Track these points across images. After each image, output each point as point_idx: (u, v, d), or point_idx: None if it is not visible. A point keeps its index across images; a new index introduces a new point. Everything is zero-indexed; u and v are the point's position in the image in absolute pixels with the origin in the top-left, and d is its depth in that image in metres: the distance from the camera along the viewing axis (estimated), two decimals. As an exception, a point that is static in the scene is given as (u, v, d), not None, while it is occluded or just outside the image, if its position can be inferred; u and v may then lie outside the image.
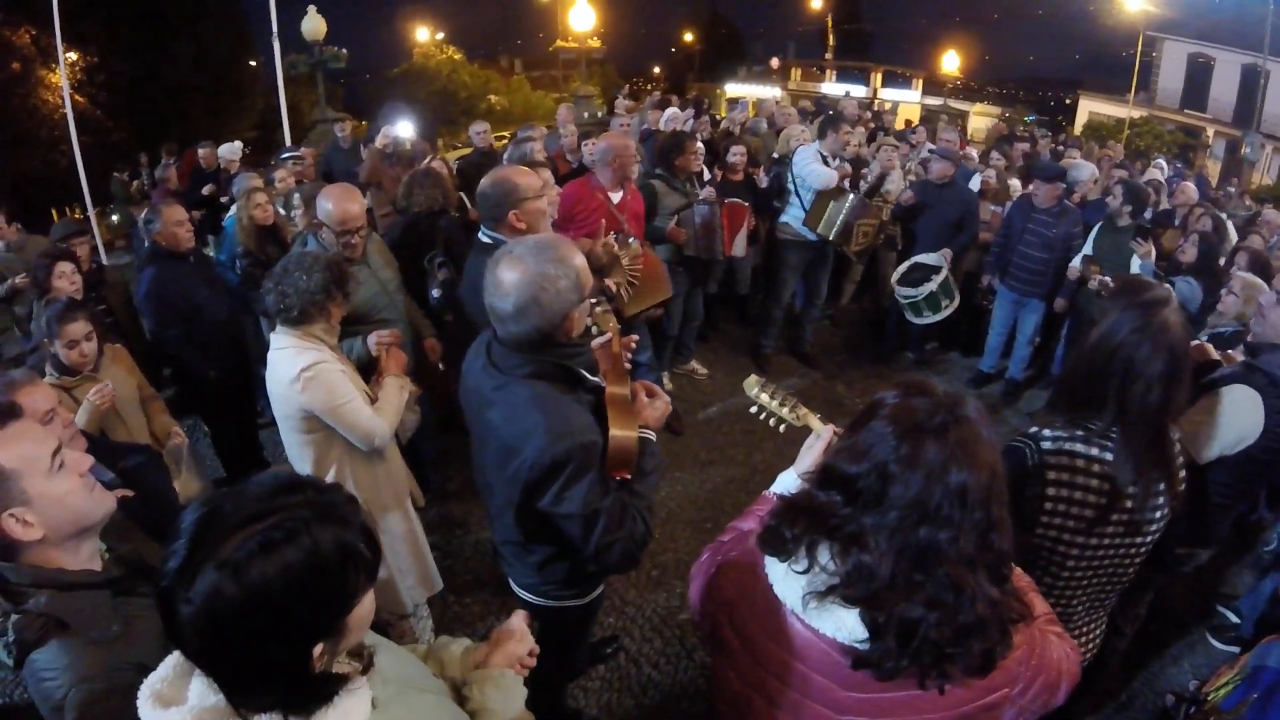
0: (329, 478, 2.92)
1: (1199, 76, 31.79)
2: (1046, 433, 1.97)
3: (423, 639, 3.43)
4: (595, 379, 2.13)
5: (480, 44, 45.24)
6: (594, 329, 2.22)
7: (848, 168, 5.94)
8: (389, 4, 40.53)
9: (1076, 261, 5.66)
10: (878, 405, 1.33)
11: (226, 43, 22.41)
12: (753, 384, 2.05)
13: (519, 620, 1.78)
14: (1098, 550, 2.01)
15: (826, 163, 5.77)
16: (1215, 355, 2.97)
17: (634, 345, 2.36)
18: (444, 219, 4.65)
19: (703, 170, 5.80)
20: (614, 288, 3.81)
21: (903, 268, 6.09)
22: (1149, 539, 2.03)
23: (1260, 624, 3.59)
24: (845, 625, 1.27)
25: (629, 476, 2.09)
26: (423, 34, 35.58)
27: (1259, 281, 3.89)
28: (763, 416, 2.02)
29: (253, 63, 24.03)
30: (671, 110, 9.24)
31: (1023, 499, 1.95)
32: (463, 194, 5.77)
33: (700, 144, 5.71)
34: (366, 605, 1.16)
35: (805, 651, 1.35)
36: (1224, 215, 6.99)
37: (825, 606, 1.28)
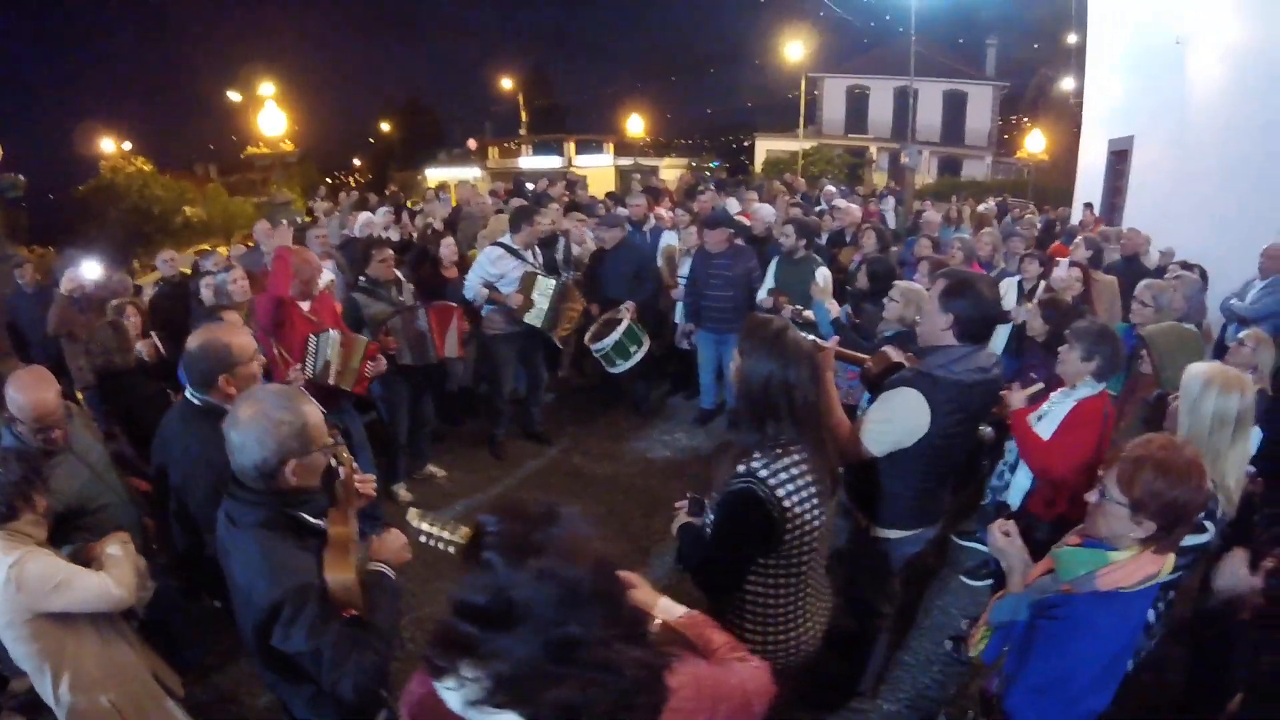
0: (63, 692, 2.67)
1: (858, 105, 37.28)
2: (756, 464, 2.26)
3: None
4: (319, 523, 2.21)
5: (172, 152, 42.24)
6: (332, 462, 2.32)
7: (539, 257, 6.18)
8: (68, 116, 36.78)
9: (763, 294, 6.20)
10: (480, 535, 1.40)
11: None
12: (415, 516, 2.13)
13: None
14: (819, 530, 2.37)
15: (519, 255, 5.94)
16: (898, 358, 3.26)
17: (368, 478, 2.50)
18: (125, 380, 4.36)
19: (397, 277, 5.64)
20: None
21: (594, 326, 6.42)
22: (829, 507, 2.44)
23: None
24: None
25: (355, 614, 2.16)
26: (109, 145, 32.67)
27: (918, 288, 4.51)
28: (431, 544, 2.08)
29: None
30: (365, 215, 9.07)
31: (771, 524, 2.24)
32: (153, 334, 5.26)
33: (389, 251, 5.55)
34: None
35: None
36: (884, 227, 8.26)
37: (485, 712, 1.35)
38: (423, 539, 2.10)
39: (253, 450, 2.08)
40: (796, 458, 2.27)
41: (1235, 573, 2.12)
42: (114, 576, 2.76)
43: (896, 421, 2.83)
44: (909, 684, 3.93)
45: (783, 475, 2.23)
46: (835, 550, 3.49)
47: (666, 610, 1.83)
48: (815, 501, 2.30)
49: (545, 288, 5.89)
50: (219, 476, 2.37)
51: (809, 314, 5.53)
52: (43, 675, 2.69)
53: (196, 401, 2.98)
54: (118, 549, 2.90)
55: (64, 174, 30.51)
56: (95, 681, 2.77)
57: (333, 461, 2.33)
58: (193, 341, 2.96)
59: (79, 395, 4.85)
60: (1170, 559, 2.10)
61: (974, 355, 2.83)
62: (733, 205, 10.07)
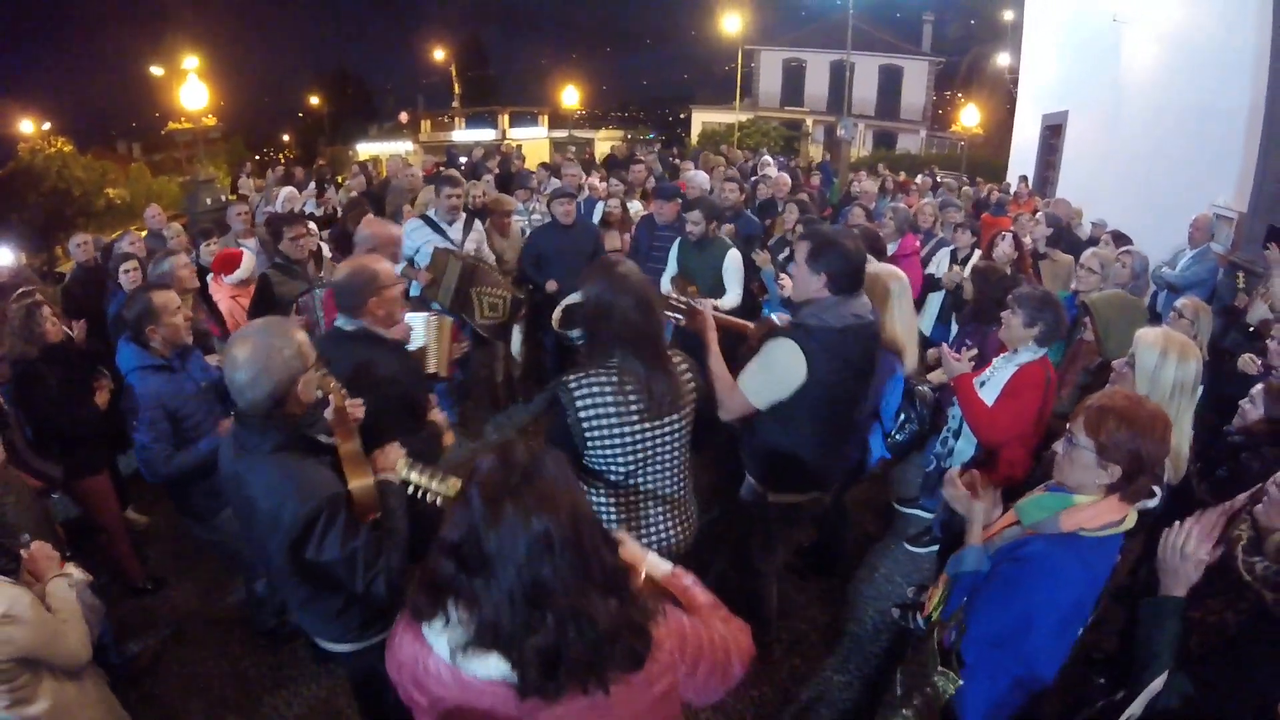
0: (43, 710, 2.40)
1: (794, 78, 37.22)
2: (569, 378, 2.55)
3: None
4: (330, 440, 2.43)
5: (93, 131, 40.55)
6: (319, 393, 2.46)
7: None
8: None
9: (666, 283, 5.62)
10: (472, 474, 1.45)
11: None
12: (403, 465, 2.34)
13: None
14: (635, 440, 2.57)
15: (439, 229, 5.64)
16: (779, 322, 3.33)
17: (355, 403, 2.64)
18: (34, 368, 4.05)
19: (316, 253, 5.39)
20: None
21: (557, 313, 6.01)
22: (676, 426, 2.63)
23: (945, 527, 4.03)
24: (492, 666, 1.40)
25: (378, 517, 2.36)
26: (27, 127, 31.18)
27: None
28: (419, 495, 2.27)
29: None
30: (287, 190, 8.74)
31: (566, 426, 2.53)
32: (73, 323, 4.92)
33: (311, 225, 5.36)
34: None
35: (477, 695, 1.45)
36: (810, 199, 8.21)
37: (470, 655, 1.40)
38: (410, 489, 2.29)
39: (263, 382, 2.21)
40: (606, 377, 2.53)
41: (1178, 548, 2.10)
42: (72, 627, 2.54)
43: (773, 370, 2.91)
44: (858, 654, 3.94)
45: (584, 390, 2.52)
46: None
47: (653, 566, 1.86)
48: (620, 417, 2.53)
49: (453, 269, 5.42)
50: (379, 395, 2.81)
51: (720, 303, 5.11)
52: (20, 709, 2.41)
53: (349, 328, 3.09)
54: (64, 588, 2.63)
55: None
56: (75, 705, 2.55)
57: (319, 393, 2.46)
58: (340, 271, 3.18)
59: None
60: (1133, 513, 2.16)
61: (845, 303, 2.90)
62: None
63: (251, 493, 2.25)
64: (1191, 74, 9.39)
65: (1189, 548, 2.06)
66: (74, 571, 2.75)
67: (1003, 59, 27.18)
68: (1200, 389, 2.98)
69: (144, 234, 7.26)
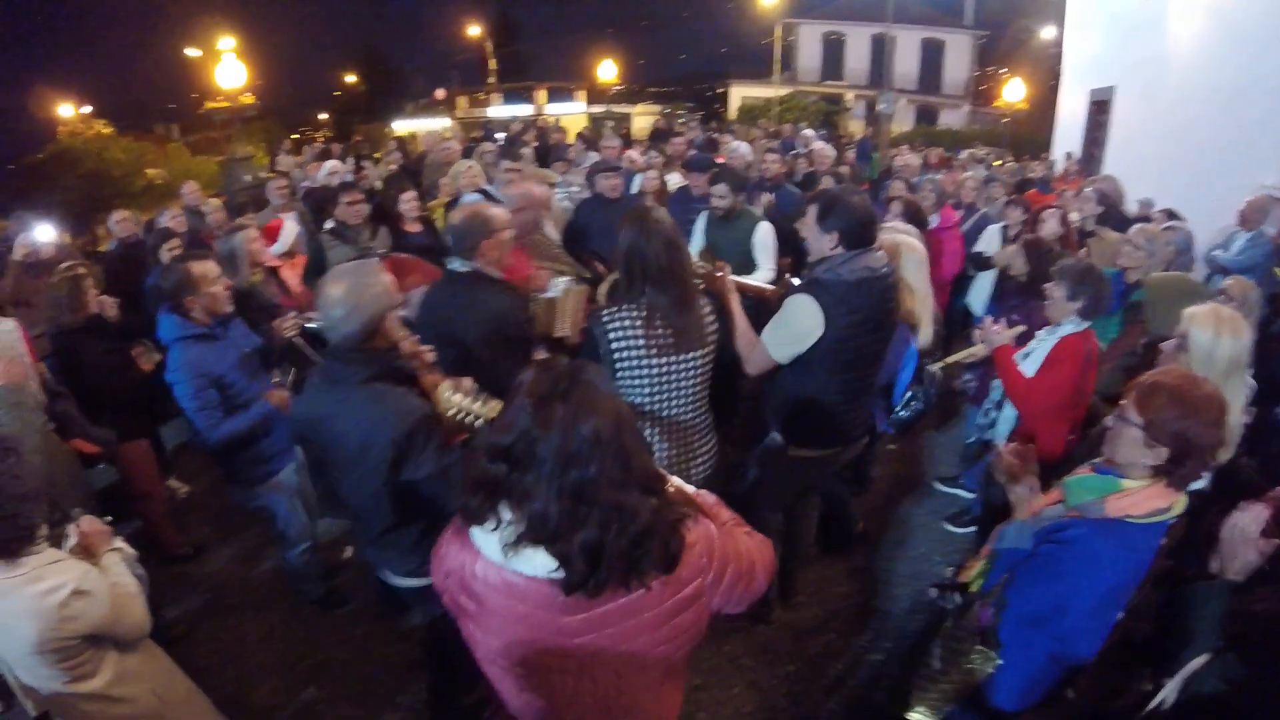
0: (107, 691, 2.40)
1: (834, 51, 36.59)
2: (603, 312, 2.82)
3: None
4: (412, 371, 2.64)
5: (131, 113, 40.96)
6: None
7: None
8: (22, 82, 35.59)
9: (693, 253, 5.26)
10: (518, 386, 1.54)
11: None
12: (447, 388, 2.46)
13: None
14: (658, 372, 2.82)
15: (498, 204, 4.97)
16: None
17: (426, 349, 2.81)
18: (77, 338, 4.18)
19: (367, 221, 5.45)
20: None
21: (603, 288, 5.85)
22: (698, 361, 2.89)
23: (986, 504, 3.99)
24: (540, 563, 1.49)
25: (466, 437, 2.50)
26: (67, 110, 31.46)
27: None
28: (459, 416, 2.40)
29: None
30: (331, 163, 8.77)
31: (598, 354, 2.78)
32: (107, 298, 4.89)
33: (359, 194, 5.42)
34: None
35: (523, 594, 1.55)
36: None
37: (519, 552, 1.50)
38: (452, 412, 2.41)
39: (355, 317, 2.38)
40: (636, 313, 2.78)
41: (1244, 530, 2.04)
42: (135, 602, 2.54)
43: (792, 325, 3.00)
44: (893, 632, 3.92)
45: (616, 322, 2.79)
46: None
47: (681, 488, 1.92)
48: (646, 349, 2.79)
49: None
50: (489, 330, 3.15)
51: (751, 279, 4.71)
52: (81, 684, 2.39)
53: (463, 269, 3.29)
54: (117, 563, 2.62)
55: (21, 143, 29.50)
56: (136, 674, 2.56)
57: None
58: (456, 216, 3.38)
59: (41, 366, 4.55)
60: (1182, 499, 2.09)
61: (858, 258, 2.96)
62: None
63: (340, 426, 2.41)
64: (1243, 50, 9.07)
65: (1252, 531, 2.00)
66: (124, 546, 2.76)
67: (1047, 32, 26.52)
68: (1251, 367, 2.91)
69: (182, 210, 7.31)
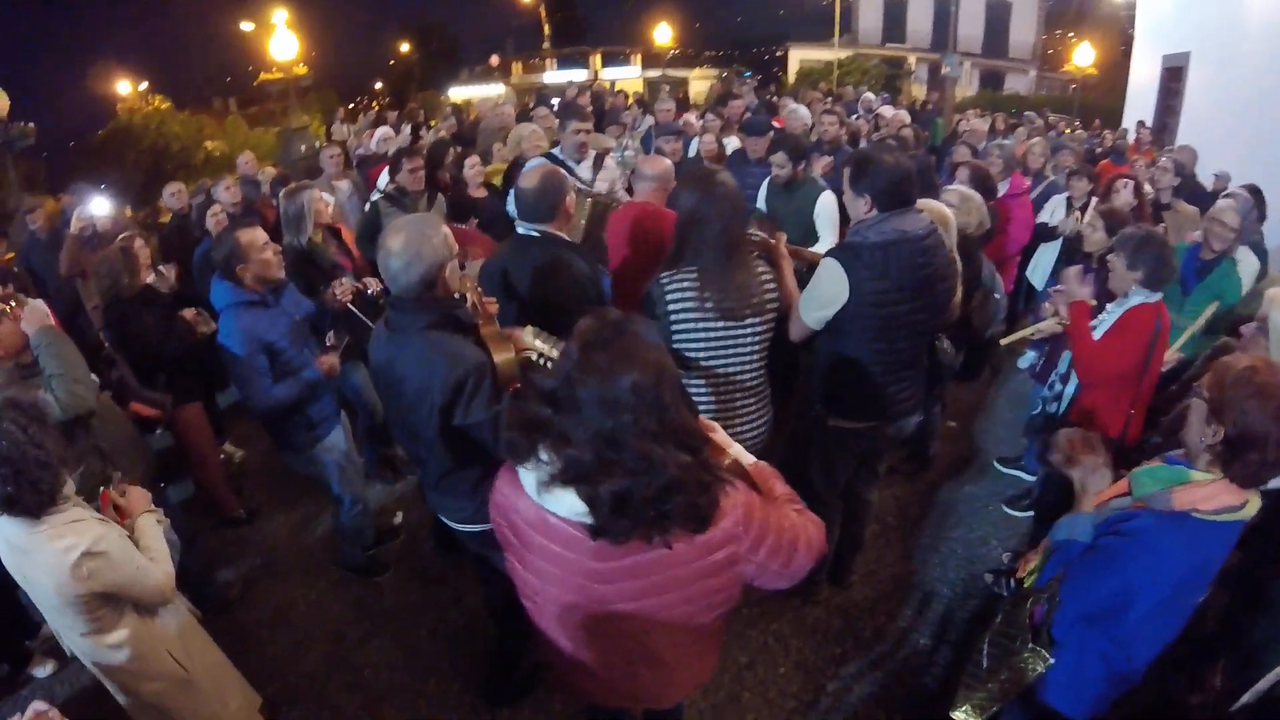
0: (121, 648, 2.51)
1: (895, 13, 35.31)
2: (663, 276, 2.86)
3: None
4: (474, 320, 2.65)
5: (189, 88, 41.89)
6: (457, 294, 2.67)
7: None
8: (79, 62, 36.49)
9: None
10: (573, 331, 1.59)
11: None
12: (530, 333, 2.53)
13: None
14: (713, 338, 2.87)
15: (565, 168, 4.78)
16: None
17: (489, 300, 2.84)
18: (132, 306, 4.28)
19: (428, 189, 5.45)
20: None
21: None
22: (756, 328, 2.91)
23: (1046, 481, 3.94)
24: (568, 504, 1.57)
25: (519, 386, 2.54)
26: (125, 87, 32.17)
27: (971, 192, 4.43)
28: (539, 360, 2.49)
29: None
30: (383, 130, 8.84)
31: (655, 315, 2.84)
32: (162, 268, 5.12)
33: (420, 159, 5.40)
34: None
35: (554, 533, 1.64)
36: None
37: (552, 491, 1.57)
38: (533, 355, 2.51)
39: (415, 266, 2.42)
40: (692, 278, 2.83)
41: None
42: (159, 565, 2.59)
43: (817, 287, 2.97)
44: (945, 617, 3.84)
45: (674, 285, 2.85)
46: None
47: (740, 456, 1.95)
48: (701, 314, 2.83)
49: (581, 208, 4.84)
50: (559, 286, 3.19)
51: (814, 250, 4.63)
52: (105, 648, 2.52)
53: (534, 233, 3.31)
54: (152, 526, 2.71)
55: (82, 120, 30.39)
56: (156, 636, 2.64)
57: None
58: (529, 183, 3.30)
59: (100, 336, 4.64)
60: (1255, 499, 1.96)
61: (890, 219, 2.85)
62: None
63: (400, 371, 2.51)
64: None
65: None
66: (161, 516, 2.82)
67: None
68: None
69: (238, 180, 7.38)
